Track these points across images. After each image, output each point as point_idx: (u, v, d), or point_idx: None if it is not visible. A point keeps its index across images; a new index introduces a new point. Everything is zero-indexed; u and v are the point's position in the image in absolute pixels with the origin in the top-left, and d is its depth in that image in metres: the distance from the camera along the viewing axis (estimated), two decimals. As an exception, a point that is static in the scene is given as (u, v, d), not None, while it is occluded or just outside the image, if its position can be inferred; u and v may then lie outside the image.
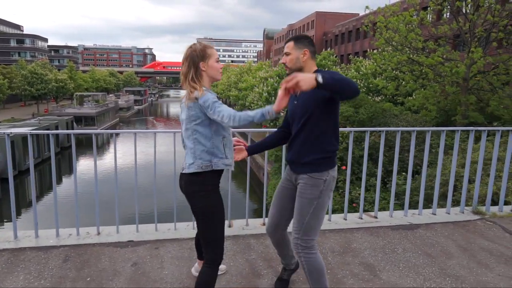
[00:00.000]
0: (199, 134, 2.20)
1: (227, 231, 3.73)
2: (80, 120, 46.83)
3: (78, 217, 3.60)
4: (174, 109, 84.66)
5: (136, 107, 76.03)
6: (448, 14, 14.72)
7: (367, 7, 13.91)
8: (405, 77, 14.71)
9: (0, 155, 24.63)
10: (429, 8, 14.23)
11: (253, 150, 2.66)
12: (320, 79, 1.91)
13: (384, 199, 12.51)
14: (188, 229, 3.81)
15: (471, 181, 7.95)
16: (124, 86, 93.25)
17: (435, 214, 4.34)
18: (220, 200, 2.27)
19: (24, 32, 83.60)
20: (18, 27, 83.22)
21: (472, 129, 4.41)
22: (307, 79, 1.90)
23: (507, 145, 4.40)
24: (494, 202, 5.34)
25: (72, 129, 38.74)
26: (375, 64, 16.71)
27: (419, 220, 4.17)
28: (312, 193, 2.32)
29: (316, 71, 2.24)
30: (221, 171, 2.27)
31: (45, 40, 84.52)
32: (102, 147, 37.18)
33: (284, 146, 2.93)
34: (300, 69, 2.34)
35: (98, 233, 3.64)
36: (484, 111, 14.07)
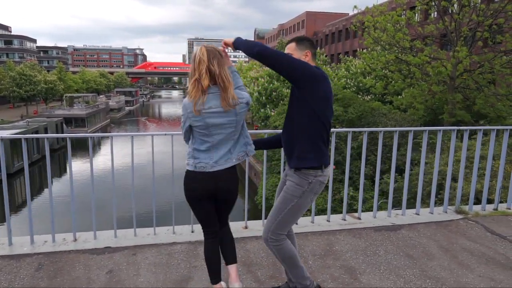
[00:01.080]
0: (242, 131, 2.41)
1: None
2: (70, 121, 46.30)
3: (54, 223, 3.51)
4: (166, 109, 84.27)
5: (127, 108, 75.40)
6: (435, 13, 14.79)
7: (355, 6, 13.93)
8: (393, 76, 14.78)
9: (-13, 158, 24.24)
10: (416, 7, 14.29)
11: (259, 145, 2.76)
12: (234, 39, 2.32)
13: (372, 198, 12.57)
14: (168, 233, 3.73)
15: (457, 179, 8.00)
16: (115, 87, 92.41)
17: (418, 214, 4.32)
18: None
19: (12, 33, 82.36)
20: (6, 27, 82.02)
21: (454, 129, 4.40)
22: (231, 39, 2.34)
23: (489, 144, 4.41)
24: (479, 201, 5.37)
25: (62, 131, 38.25)
26: (364, 63, 16.75)
27: (402, 221, 4.15)
28: (295, 191, 2.36)
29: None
30: None
31: (34, 41, 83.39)
32: (93, 149, 36.85)
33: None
34: None
35: (75, 240, 3.56)
36: (471, 110, 14.19)
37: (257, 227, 3.91)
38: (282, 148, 2.67)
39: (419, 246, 3.55)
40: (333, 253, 3.38)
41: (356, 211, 4.39)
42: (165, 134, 3.74)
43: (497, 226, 4.00)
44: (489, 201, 5.00)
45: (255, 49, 2.18)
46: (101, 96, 71.76)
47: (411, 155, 4.24)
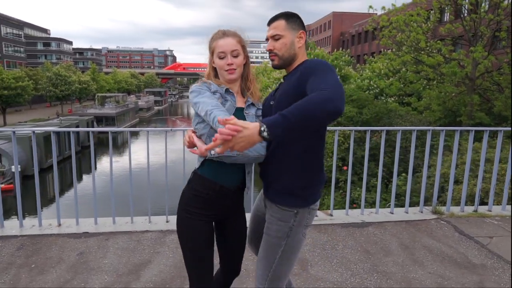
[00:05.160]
0: None
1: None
2: (101, 120, 48.27)
3: (40, 210, 3.85)
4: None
5: (156, 108, 77.55)
6: (454, 13, 14.38)
7: (370, 6, 13.82)
8: (409, 77, 14.48)
9: (22, 154, 25.86)
10: (433, 8, 13.97)
11: None
12: (265, 134, 1.32)
13: (384, 200, 12.42)
14: (144, 222, 4.00)
15: (459, 182, 7.84)
16: (145, 87, 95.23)
17: (392, 213, 4.36)
18: None
19: (51, 36, 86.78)
20: (45, 30, 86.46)
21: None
22: (246, 138, 1.32)
23: (481, 145, 4.38)
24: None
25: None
26: (381, 65, 16.53)
27: (374, 219, 4.21)
28: (280, 230, 1.75)
29: (298, 67, 1.72)
30: None
31: (70, 43, 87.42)
32: (122, 146, 38.47)
33: None
34: (292, 59, 1.78)
35: (59, 225, 3.89)
36: (492, 112, 13.72)
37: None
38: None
39: (380, 242, 3.62)
40: (292, 246, 3.52)
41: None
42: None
43: (468, 227, 3.99)
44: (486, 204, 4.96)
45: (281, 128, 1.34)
46: (131, 96, 74.22)
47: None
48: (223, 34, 1.80)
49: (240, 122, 1.33)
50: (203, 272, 1.84)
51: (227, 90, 1.81)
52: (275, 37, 1.77)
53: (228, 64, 1.77)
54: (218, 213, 1.85)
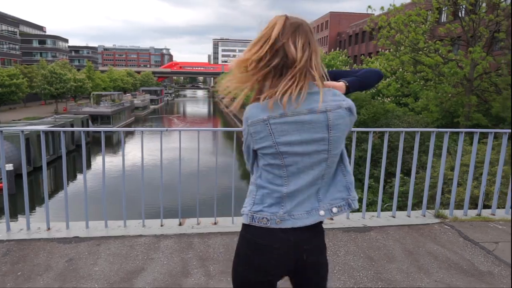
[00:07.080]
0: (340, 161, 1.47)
1: (175, 230, 3.76)
2: (96, 118, 47.85)
3: (28, 213, 3.68)
4: (190, 108, 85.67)
5: (152, 106, 77.08)
6: (452, 13, 14.32)
7: (369, 6, 13.71)
8: (406, 77, 14.40)
9: (16, 152, 25.53)
10: (432, 8, 13.91)
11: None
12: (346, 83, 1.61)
13: (382, 201, 12.32)
14: (138, 226, 3.84)
15: (458, 184, 7.74)
16: (141, 86, 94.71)
17: (394, 217, 4.24)
18: None
19: (47, 33, 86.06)
20: (40, 28, 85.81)
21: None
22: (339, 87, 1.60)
23: (472, 147, 4.27)
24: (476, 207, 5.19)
25: (88, 127, 39.62)
26: (378, 64, 16.44)
27: (376, 223, 4.08)
28: None
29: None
30: None
31: (66, 40, 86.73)
32: (118, 145, 38.12)
33: None
34: None
35: (48, 229, 3.72)
36: (490, 113, 13.67)
37: (226, 223, 3.95)
38: None
39: (383, 248, 3.49)
40: (292, 251, 3.38)
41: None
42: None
43: (473, 232, 3.87)
44: (488, 207, 4.85)
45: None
46: (127, 94, 73.76)
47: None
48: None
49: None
50: None
51: None
52: None
53: None
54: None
